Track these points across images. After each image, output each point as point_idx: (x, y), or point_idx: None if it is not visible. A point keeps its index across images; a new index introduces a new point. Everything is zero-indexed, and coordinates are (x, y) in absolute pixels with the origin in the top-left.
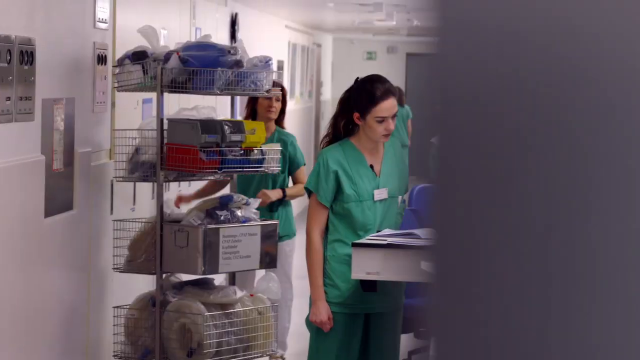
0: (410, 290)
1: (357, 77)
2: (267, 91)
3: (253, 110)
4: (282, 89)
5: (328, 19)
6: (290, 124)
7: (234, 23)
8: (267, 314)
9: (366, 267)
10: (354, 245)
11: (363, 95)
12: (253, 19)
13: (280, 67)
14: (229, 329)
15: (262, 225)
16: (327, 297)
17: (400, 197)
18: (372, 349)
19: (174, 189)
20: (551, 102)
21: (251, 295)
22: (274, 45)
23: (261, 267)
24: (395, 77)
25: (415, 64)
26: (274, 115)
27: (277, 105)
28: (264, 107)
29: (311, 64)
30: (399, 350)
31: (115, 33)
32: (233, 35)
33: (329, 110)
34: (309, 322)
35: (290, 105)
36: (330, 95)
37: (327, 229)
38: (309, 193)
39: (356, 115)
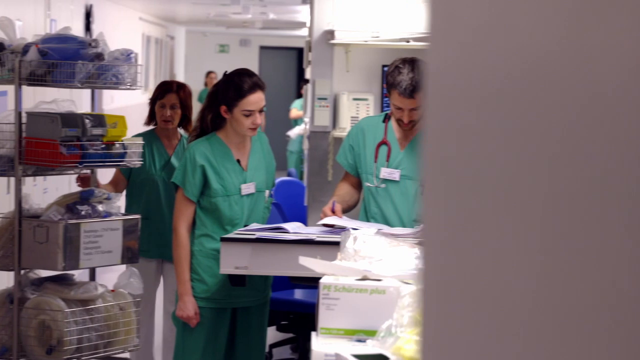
0: (275, 284)
1: (226, 71)
2: (131, 85)
3: (151, 115)
4: (180, 91)
5: (182, 11)
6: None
7: (88, 15)
8: (128, 310)
9: (235, 261)
10: (223, 239)
11: (230, 88)
12: (107, 11)
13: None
14: (90, 325)
15: (123, 220)
16: (194, 291)
17: (267, 192)
18: (239, 343)
19: (29, 184)
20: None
21: (112, 290)
22: (128, 37)
23: (123, 262)
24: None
25: (269, 57)
26: (170, 125)
27: (174, 113)
28: (158, 116)
29: (165, 56)
30: (265, 344)
31: None
32: (88, 28)
33: None
34: (175, 317)
35: (144, 98)
36: None
37: (194, 223)
38: (176, 187)
39: (223, 108)
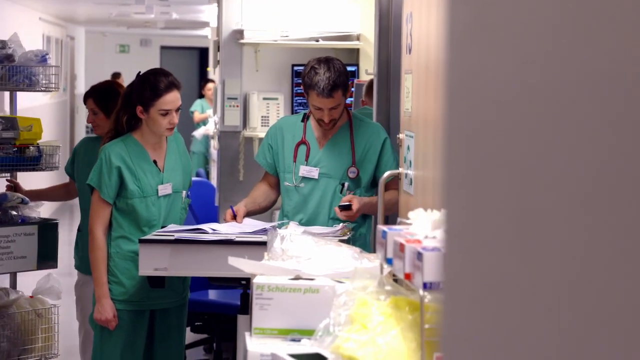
0: (191, 285)
1: (139, 72)
2: (47, 88)
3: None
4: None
5: (82, 11)
6: (46, 119)
7: None
8: (47, 316)
9: (154, 263)
10: (141, 241)
11: (146, 88)
12: (7, 11)
13: None
14: (1, 333)
15: (39, 225)
16: (112, 294)
17: (184, 192)
18: (158, 346)
19: None
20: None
21: (31, 296)
22: (29, 38)
23: (39, 268)
24: None
25: (170, 57)
26: (99, 131)
27: (96, 118)
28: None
29: (65, 57)
30: (184, 345)
31: None
32: None
33: (83, 104)
34: (92, 321)
35: (46, 99)
36: (85, 89)
37: (110, 225)
38: (91, 190)
39: (139, 108)
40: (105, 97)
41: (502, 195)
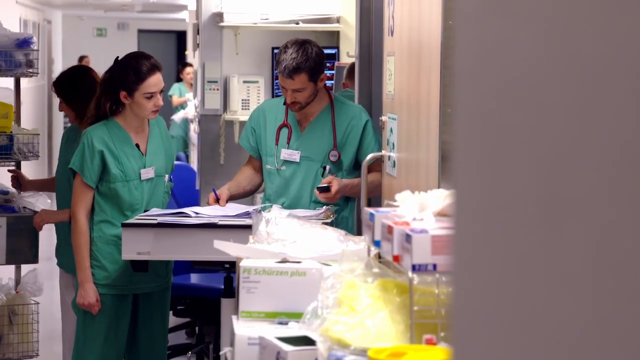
0: (175, 269)
1: (117, 57)
2: (29, 71)
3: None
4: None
5: None
6: (24, 103)
7: None
8: (26, 313)
9: (137, 247)
10: (124, 225)
11: (129, 72)
12: None
13: None
14: None
15: (8, 218)
16: (95, 278)
17: (166, 176)
18: (141, 329)
19: None
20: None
21: (17, 292)
22: (6, 22)
23: (8, 263)
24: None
25: (147, 41)
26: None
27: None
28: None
29: (43, 41)
30: (167, 329)
31: None
32: None
33: None
34: (75, 305)
35: (23, 83)
36: None
37: (92, 209)
38: (73, 174)
39: (123, 94)
40: (64, 86)
41: (517, 176)
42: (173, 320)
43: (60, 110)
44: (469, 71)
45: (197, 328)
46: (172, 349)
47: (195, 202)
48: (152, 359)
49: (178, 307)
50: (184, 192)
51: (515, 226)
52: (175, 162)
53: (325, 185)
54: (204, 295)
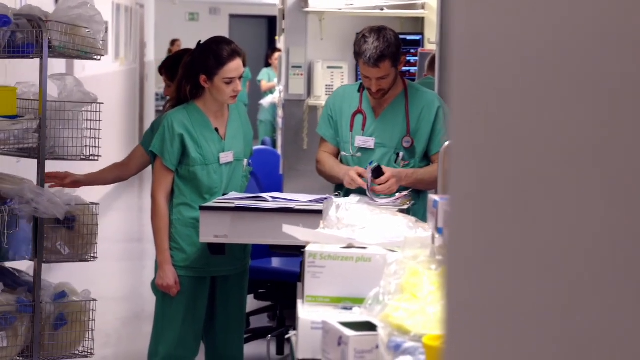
0: (253, 253)
1: (200, 41)
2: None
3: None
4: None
5: None
6: (116, 86)
7: None
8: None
9: (214, 230)
10: (202, 208)
11: (210, 57)
12: None
13: (105, 28)
14: None
15: None
16: (174, 260)
17: (245, 160)
18: (219, 312)
19: None
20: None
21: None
22: (98, 6)
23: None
24: None
25: (239, 26)
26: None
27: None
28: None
29: (135, 25)
30: (245, 312)
31: None
32: None
33: (152, 72)
34: (154, 287)
35: (115, 67)
36: (154, 57)
37: (172, 192)
38: (154, 157)
39: (203, 78)
40: (172, 68)
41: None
42: (255, 304)
43: (166, 95)
44: (465, 62)
45: (278, 312)
46: (252, 332)
47: (279, 187)
48: (229, 341)
49: (259, 291)
50: (268, 177)
51: (510, 224)
52: (260, 147)
53: (377, 166)
54: (283, 279)
